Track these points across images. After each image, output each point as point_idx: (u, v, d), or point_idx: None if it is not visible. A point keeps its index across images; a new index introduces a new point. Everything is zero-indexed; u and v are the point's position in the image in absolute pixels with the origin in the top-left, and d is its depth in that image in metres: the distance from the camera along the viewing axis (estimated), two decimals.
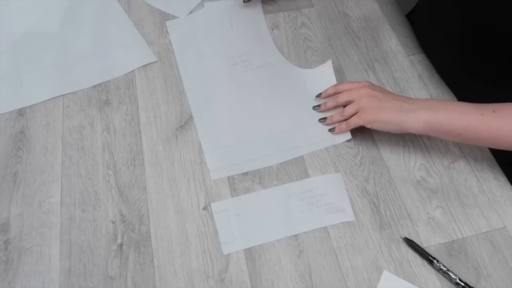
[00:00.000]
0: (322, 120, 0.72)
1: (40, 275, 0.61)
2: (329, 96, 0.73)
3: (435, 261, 0.60)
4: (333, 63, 0.77)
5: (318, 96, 0.74)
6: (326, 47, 0.83)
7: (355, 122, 0.68)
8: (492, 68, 0.71)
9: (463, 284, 0.58)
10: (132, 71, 0.80)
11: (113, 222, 0.65)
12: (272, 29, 0.85)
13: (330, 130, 0.71)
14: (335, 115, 0.71)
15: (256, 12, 0.87)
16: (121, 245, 0.63)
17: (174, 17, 0.87)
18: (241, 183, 0.68)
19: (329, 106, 0.72)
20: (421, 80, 0.78)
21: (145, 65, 0.81)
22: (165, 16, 0.87)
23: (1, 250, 0.63)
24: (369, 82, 0.69)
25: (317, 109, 0.73)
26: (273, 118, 0.74)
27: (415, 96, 0.76)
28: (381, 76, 0.79)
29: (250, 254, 0.62)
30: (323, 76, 0.77)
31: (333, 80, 0.75)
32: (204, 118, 0.74)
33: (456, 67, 0.76)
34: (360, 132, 0.72)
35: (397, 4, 0.88)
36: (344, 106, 0.70)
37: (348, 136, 0.71)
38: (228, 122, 0.73)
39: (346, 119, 0.69)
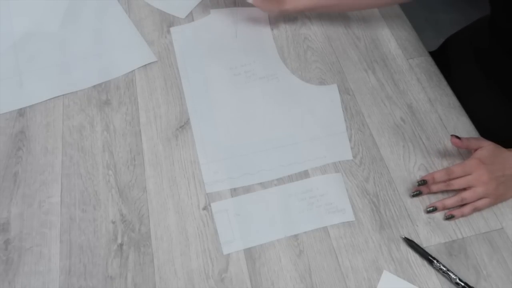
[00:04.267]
0: (431, 210, 0.64)
1: (40, 275, 0.61)
2: (439, 182, 0.64)
3: (435, 261, 0.60)
4: (333, 63, 0.78)
5: (416, 192, 0.66)
6: (326, 47, 0.83)
7: (486, 207, 0.64)
8: None
9: (463, 284, 0.58)
10: (132, 71, 0.80)
11: (113, 222, 0.65)
12: (272, 29, 0.85)
13: (449, 219, 0.64)
14: (448, 199, 0.64)
15: (262, 21, 0.86)
16: (121, 245, 0.63)
17: (174, 17, 0.87)
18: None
19: (435, 190, 0.65)
20: (419, 83, 0.78)
21: (145, 65, 0.81)
22: (165, 16, 0.87)
23: (1, 250, 0.63)
24: (479, 160, 0.63)
25: (417, 195, 0.66)
26: (273, 131, 0.73)
27: (414, 98, 0.76)
28: (381, 77, 0.79)
29: (250, 254, 0.62)
30: (327, 94, 0.76)
31: (337, 100, 0.75)
32: (203, 129, 0.73)
33: (494, 101, 0.75)
34: (360, 132, 0.72)
35: (422, 42, 0.86)
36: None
37: (350, 156, 0.70)
38: (226, 134, 0.72)
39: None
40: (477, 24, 0.83)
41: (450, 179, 0.64)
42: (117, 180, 0.68)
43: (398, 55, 0.82)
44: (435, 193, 0.66)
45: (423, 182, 0.65)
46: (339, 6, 0.80)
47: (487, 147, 0.64)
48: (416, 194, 0.65)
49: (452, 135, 0.66)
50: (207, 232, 0.64)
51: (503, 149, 0.64)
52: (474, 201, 0.63)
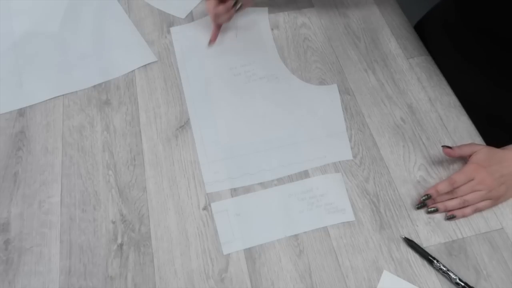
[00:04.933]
0: (433, 210, 0.64)
1: (40, 275, 0.61)
2: (442, 193, 0.64)
3: (435, 261, 0.60)
4: (333, 63, 0.77)
5: (422, 203, 0.65)
6: (326, 47, 0.83)
7: (488, 207, 0.64)
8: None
9: (463, 284, 0.58)
10: (132, 71, 0.80)
11: (113, 222, 0.65)
12: (272, 29, 0.85)
13: (450, 219, 0.64)
14: (450, 201, 0.64)
15: (261, 22, 0.86)
16: (121, 245, 0.63)
17: (174, 17, 0.87)
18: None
19: (440, 201, 0.65)
20: (420, 83, 0.78)
21: (145, 65, 0.81)
22: (165, 16, 0.87)
23: (1, 250, 0.63)
24: (477, 165, 0.63)
25: (422, 207, 0.65)
26: (273, 131, 0.72)
27: (414, 98, 0.76)
28: (381, 77, 0.79)
29: (250, 254, 0.62)
30: (327, 94, 0.76)
31: (337, 100, 0.75)
32: (203, 129, 0.73)
33: (470, 70, 0.76)
34: (360, 132, 0.72)
35: (405, 15, 0.87)
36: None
37: (350, 156, 0.70)
38: (226, 134, 0.72)
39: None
40: (445, 3, 0.84)
41: (454, 188, 0.64)
42: (117, 180, 0.68)
43: (398, 55, 0.82)
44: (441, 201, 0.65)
45: (428, 197, 0.64)
46: None
47: (481, 151, 0.64)
48: (421, 206, 0.65)
49: (443, 146, 0.67)
50: (207, 232, 0.64)
51: (497, 150, 0.65)
52: (476, 203, 0.64)
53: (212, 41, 0.82)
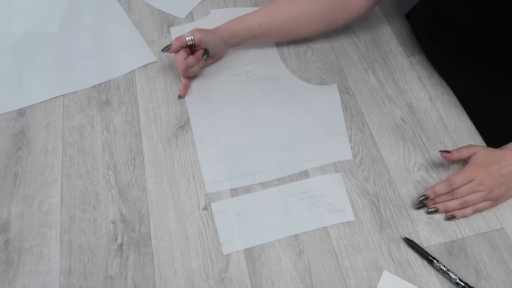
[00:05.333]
0: (433, 211, 0.64)
1: (40, 275, 0.61)
2: (440, 194, 0.64)
3: (435, 261, 0.60)
4: (333, 63, 0.77)
5: (421, 203, 0.65)
6: (326, 47, 0.83)
7: (488, 208, 0.64)
8: (491, 68, 0.71)
9: (463, 284, 0.58)
10: (132, 71, 0.80)
11: (113, 222, 0.65)
12: None
13: (450, 219, 0.64)
14: (450, 202, 0.64)
15: None
16: (121, 245, 0.63)
17: (174, 17, 0.87)
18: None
19: (439, 201, 0.65)
20: (420, 82, 0.78)
21: (145, 65, 0.81)
22: (165, 16, 0.87)
23: (1, 250, 0.63)
24: (477, 165, 0.63)
25: (422, 207, 0.65)
26: (273, 131, 0.72)
27: (414, 97, 0.76)
28: (381, 77, 0.79)
29: (250, 254, 0.62)
30: (327, 95, 0.76)
31: (337, 100, 0.75)
32: (203, 129, 0.73)
33: (453, 65, 0.76)
34: (360, 132, 0.72)
35: (396, 4, 0.88)
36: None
37: (350, 156, 0.70)
38: (226, 134, 0.72)
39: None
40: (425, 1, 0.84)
41: (453, 189, 0.64)
42: (117, 180, 0.68)
43: (399, 53, 0.82)
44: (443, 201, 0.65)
45: (425, 198, 0.64)
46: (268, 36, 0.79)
47: (480, 152, 0.64)
48: (421, 206, 0.65)
49: (441, 151, 0.66)
50: (207, 232, 0.64)
51: (496, 150, 0.65)
52: (476, 204, 0.64)
53: (182, 96, 0.76)
